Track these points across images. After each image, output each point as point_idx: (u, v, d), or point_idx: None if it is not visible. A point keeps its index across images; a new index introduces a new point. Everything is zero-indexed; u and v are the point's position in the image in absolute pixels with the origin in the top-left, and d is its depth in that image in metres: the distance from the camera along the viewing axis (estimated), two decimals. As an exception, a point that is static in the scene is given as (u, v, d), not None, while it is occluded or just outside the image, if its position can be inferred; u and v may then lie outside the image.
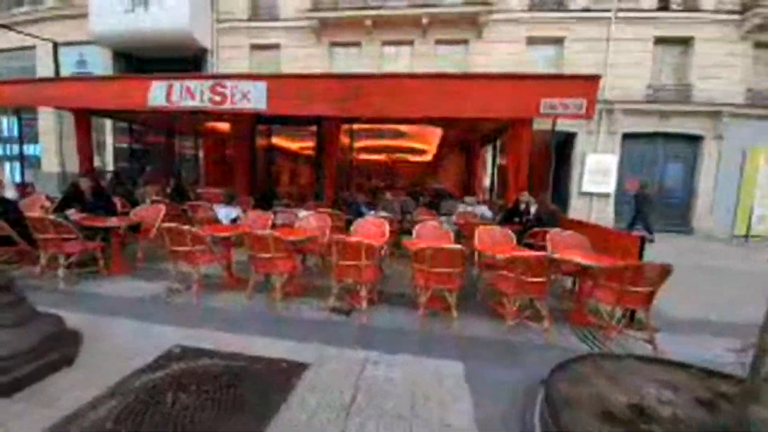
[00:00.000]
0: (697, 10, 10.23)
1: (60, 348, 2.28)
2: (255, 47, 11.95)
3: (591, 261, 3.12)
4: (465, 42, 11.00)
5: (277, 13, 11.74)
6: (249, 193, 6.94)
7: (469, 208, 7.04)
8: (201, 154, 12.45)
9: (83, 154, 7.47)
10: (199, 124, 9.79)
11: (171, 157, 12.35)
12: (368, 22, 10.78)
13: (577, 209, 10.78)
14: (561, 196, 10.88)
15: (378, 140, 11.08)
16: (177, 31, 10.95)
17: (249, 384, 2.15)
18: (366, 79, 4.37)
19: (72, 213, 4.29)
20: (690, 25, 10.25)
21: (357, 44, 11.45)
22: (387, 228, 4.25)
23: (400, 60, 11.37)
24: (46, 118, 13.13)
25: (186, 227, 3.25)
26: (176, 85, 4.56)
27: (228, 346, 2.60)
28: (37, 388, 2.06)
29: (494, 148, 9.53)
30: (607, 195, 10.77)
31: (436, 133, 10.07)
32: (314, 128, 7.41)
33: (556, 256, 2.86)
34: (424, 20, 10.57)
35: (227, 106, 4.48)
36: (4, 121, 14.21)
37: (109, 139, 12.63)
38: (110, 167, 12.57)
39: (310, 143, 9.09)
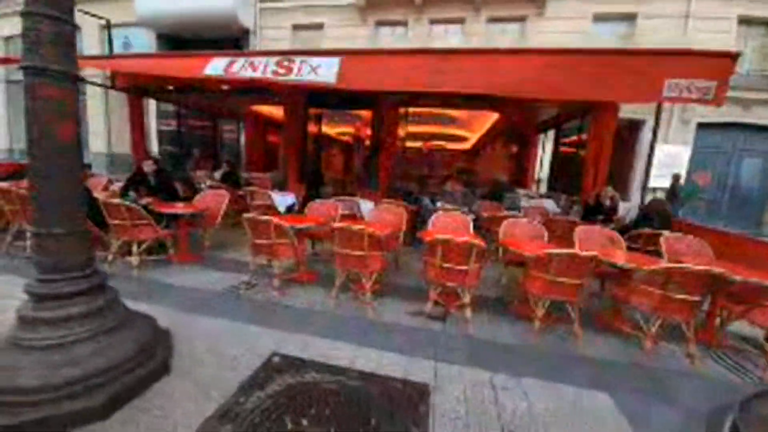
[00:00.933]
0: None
1: (157, 354, 2.04)
2: (297, 27, 11.54)
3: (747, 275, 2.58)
4: (522, 19, 10.12)
5: (321, -9, 11.23)
6: (298, 179, 6.66)
7: (533, 202, 6.47)
8: (241, 138, 12.33)
9: (136, 137, 7.43)
10: (245, 107, 9.61)
11: (214, 142, 12.35)
12: (418, 0, 10.10)
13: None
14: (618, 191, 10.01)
15: (426, 126, 10.55)
16: (222, 11, 10.71)
17: (374, 410, 1.83)
18: (457, 54, 3.86)
19: (137, 197, 4.13)
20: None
21: (403, 23, 10.81)
22: (471, 224, 3.82)
23: (449, 39, 10.64)
24: (94, 99, 13.38)
25: (269, 218, 2.95)
26: (240, 60, 4.24)
27: (330, 357, 2.30)
28: (139, 405, 1.80)
29: (557, 135, 8.78)
30: (674, 190, 9.81)
31: (489, 118, 9.44)
32: (366, 113, 6.98)
33: (718, 270, 2.34)
34: (479, -5, 9.77)
35: (292, 77, 4.09)
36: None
37: (153, 123, 12.69)
38: (154, 150, 12.70)
39: (359, 129, 8.65)
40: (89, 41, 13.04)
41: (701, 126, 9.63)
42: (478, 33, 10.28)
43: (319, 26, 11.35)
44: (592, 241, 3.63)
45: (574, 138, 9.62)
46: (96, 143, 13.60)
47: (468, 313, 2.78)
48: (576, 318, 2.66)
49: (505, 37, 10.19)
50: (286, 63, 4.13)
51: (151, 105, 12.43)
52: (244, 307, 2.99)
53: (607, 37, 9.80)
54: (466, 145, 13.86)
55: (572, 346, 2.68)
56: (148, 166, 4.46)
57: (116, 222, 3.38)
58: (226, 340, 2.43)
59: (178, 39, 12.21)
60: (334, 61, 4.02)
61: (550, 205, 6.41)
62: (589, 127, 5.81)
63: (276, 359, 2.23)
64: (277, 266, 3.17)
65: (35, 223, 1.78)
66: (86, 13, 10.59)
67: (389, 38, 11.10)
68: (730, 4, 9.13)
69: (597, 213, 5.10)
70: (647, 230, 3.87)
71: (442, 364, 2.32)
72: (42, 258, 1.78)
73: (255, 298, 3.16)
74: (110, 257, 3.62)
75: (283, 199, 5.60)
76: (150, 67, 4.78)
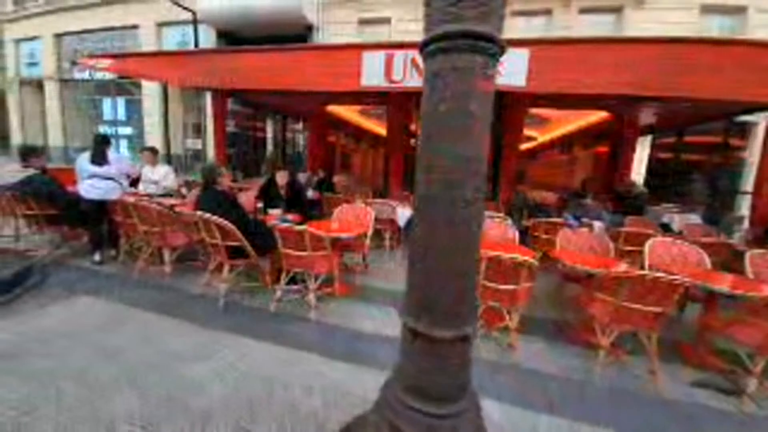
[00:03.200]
0: None
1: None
2: (363, 22, 10.95)
3: None
4: (618, 10, 9.24)
5: (389, -17, 10.59)
6: (404, 186, 6.04)
7: (682, 218, 5.66)
8: (299, 139, 11.89)
9: (219, 137, 6.96)
10: (317, 107, 9.05)
11: (284, 143, 11.91)
12: (502, -11, 9.31)
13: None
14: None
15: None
16: (287, 6, 10.23)
17: None
18: (694, 44, 3.12)
19: (279, 213, 3.57)
20: None
21: (482, 16, 10.04)
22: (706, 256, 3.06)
23: (531, 33, 9.84)
24: (152, 98, 13.18)
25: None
26: (397, 58, 3.60)
27: None
28: None
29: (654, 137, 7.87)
30: None
31: (580, 118, 8.62)
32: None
33: None
34: (572, -15, 8.94)
35: None
36: (107, 102, 14.58)
37: (210, 124, 12.36)
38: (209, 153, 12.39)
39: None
40: (149, 38, 12.82)
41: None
42: (567, 26, 9.44)
43: (386, 21, 10.74)
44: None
45: (675, 140, 8.69)
46: (154, 143, 13.40)
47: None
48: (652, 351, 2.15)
49: (601, 28, 9.32)
50: (462, 59, 3.45)
51: (209, 103, 12.12)
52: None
53: (715, 33, 8.84)
54: (527, 146, 12.97)
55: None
56: (281, 177, 3.91)
57: (290, 251, 2.77)
58: None
59: (240, 37, 11.83)
60: (521, 55, 3.34)
61: (695, 220, 5.61)
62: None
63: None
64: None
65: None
66: (186, 8, 10.25)
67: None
68: None
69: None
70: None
71: None
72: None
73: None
74: (278, 295, 3.03)
75: (403, 212, 4.98)
76: (271, 76, 4.05)
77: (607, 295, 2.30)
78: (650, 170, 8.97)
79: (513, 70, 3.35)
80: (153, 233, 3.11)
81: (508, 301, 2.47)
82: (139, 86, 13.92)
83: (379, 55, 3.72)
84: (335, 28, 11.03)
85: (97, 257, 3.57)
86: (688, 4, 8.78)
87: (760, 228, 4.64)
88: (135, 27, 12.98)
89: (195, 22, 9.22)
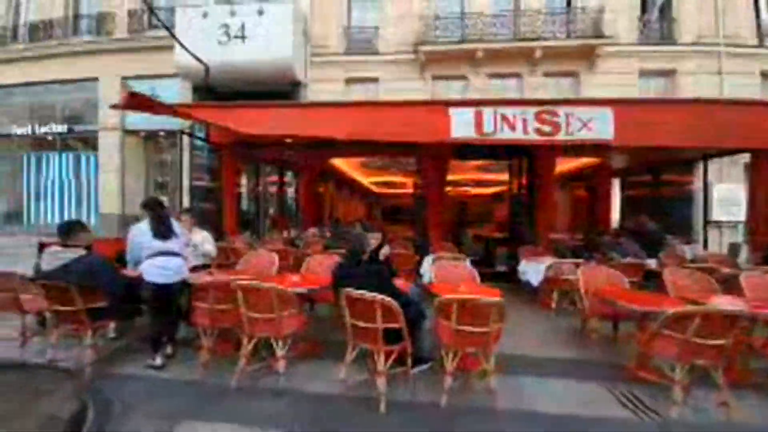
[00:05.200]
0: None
1: None
2: (351, 81, 11.36)
3: None
4: (574, 74, 10.84)
5: (375, 46, 11.30)
6: (442, 236, 5.91)
7: (687, 249, 6.27)
8: (289, 191, 11.36)
9: (230, 200, 6.31)
10: (318, 160, 8.85)
11: (257, 196, 11.19)
12: (480, 54, 10.47)
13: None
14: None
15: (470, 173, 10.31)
16: (277, 62, 10.24)
17: None
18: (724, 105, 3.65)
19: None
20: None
21: (462, 77, 11.08)
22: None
23: (506, 93, 11.02)
24: (108, 153, 11.81)
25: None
26: (487, 112, 3.70)
27: None
28: None
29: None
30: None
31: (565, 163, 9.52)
32: (511, 161, 6.59)
33: None
34: (537, 53, 10.37)
35: (561, 136, 3.64)
36: (54, 159, 12.73)
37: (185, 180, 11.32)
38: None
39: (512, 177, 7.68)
40: (108, 92, 11.74)
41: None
42: (535, 86, 10.77)
43: (374, 80, 11.27)
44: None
45: (646, 178, 9.93)
46: (109, 203, 11.74)
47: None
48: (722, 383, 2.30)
49: (562, 88, 10.78)
50: (548, 117, 3.66)
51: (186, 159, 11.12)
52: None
53: (653, 91, 10.76)
54: (493, 190, 13.84)
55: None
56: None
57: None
58: None
59: (218, 92, 11.40)
60: (607, 114, 3.63)
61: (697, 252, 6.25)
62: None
63: None
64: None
65: None
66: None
67: (444, 92, 11.26)
68: (751, 60, 10.49)
69: None
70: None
71: None
72: None
73: None
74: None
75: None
76: (353, 132, 3.87)
77: (677, 332, 2.33)
78: (623, 208, 10.03)
79: (601, 127, 3.60)
80: (264, 321, 2.49)
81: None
82: (87, 142, 12.46)
83: (468, 111, 3.77)
84: (322, 86, 11.24)
85: (158, 360, 2.75)
86: (629, 69, 10.63)
87: (758, 253, 5.31)
88: (94, 80, 11.88)
89: (207, 72, 8.67)
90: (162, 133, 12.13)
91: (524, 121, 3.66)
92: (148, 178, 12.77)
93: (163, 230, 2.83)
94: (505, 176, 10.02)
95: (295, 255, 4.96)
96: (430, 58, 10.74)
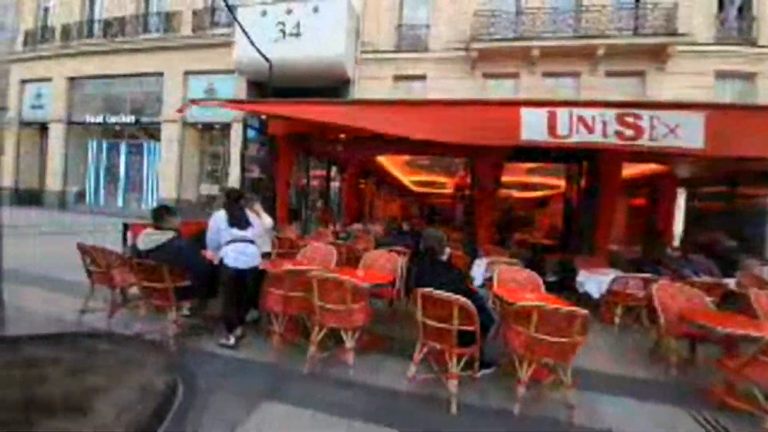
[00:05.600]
0: None
1: None
2: (399, 78, 11.34)
3: None
4: (640, 74, 10.08)
5: (425, 44, 11.20)
6: (491, 240, 5.76)
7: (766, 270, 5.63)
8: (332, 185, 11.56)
9: (282, 191, 6.48)
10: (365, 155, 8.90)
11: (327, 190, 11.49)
12: (535, 52, 10.04)
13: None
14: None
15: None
16: (329, 59, 10.46)
17: None
18: None
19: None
20: None
21: (514, 75, 10.70)
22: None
23: (560, 92, 10.49)
24: (168, 145, 12.67)
25: None
26: (562, 113, 3.51)
27: None
28: None
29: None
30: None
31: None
32: (568, 165, 6.29)
33: None
34: (600, 51, 9.75)
35: (643, 142, 3.38)
36: (122, 148, 13.92)
37: (236, 170, 11.90)
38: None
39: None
40: (172, 86, 12.60)
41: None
42: (595, 87, 10.15)
43: (422, 77, 11.18)
44: None
45: (717, 189, 9.06)
46: (167, 188, 12.63)
47: None
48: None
49: (626, 89, 10.06)
50: (631, 120, 3.41)
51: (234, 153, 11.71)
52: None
53: (730, 95, 9.79)
54: (537, 193, 13.21)
55: None
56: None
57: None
58: None
59: (271, 87, 11.86)
60: (697, 119, 3.32)
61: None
62: None
63: None
64: None
65: None
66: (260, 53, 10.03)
67: (494, 90, 10.92)
68: None
69: None
70: None
71: None
72: None
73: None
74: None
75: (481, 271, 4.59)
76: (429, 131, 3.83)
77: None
78: (687, 221, 9.24)
79: (689, 134, 3.31)
80: (335, 312, 2.56)
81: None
82: (152, 134, 13.46)
83: (541, 112, 3.62)
84: (370, 83, 11.32)
85: (231, 340, 2.91)
86: (703, 70, 9.73)
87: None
88: (160, 74, 12.78)
89: (270, 69, 9.04)
90: (217, 126, 12.79)
91: (604, 123, 3.44)
92: (202, 167, 13.57)
93: (239, 221, 2.99)
94: (554, 180, 9.57)
95: (346, 249, 5.03)
96: (483, 55, 10.46)
